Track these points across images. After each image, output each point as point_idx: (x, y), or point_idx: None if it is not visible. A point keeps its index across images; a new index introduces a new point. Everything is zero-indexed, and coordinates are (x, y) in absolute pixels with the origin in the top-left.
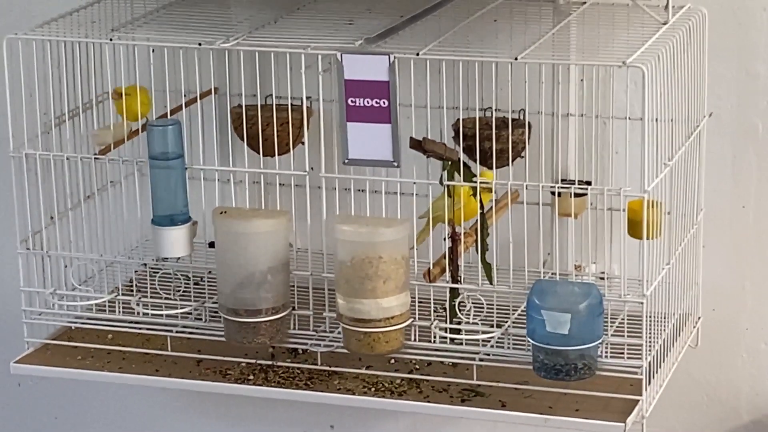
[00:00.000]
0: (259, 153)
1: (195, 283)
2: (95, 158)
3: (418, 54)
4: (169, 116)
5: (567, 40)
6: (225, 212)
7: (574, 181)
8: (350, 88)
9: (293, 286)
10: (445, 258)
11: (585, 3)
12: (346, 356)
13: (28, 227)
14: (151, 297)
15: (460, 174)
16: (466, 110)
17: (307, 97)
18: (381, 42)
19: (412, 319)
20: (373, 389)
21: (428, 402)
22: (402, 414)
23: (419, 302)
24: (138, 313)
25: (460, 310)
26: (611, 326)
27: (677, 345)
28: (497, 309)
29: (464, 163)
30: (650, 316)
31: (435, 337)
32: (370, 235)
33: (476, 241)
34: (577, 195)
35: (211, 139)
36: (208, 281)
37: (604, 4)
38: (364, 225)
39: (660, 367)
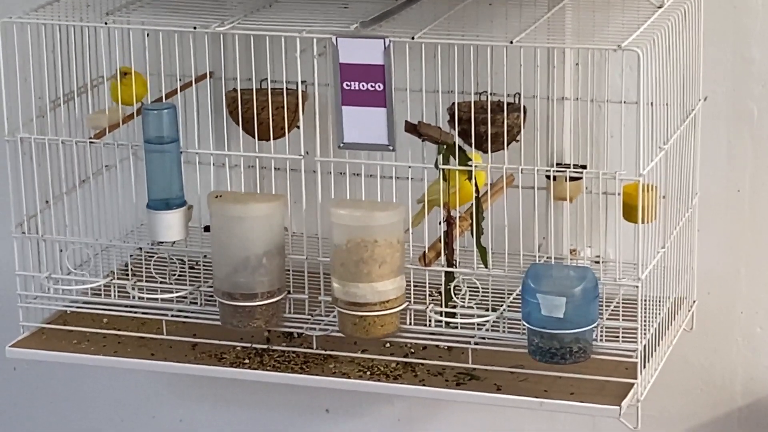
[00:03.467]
0: (254, 137)
1: (190, 268)
2: (90, 142)
3: (413, 38)
4: (164, 100)
5: (562, 23)
6: (220, 196)
7: (570, 164)
8: (345, 71)
9: (288, 270)
10: (440, 242)
11: None
12: (342, 340)
13: (23, 211)
14: (146, 281)
15: (455, 158)
16: (462, 94)
17: (302, 81)
18: (376, 26)
19: (407, 303)
20: (368, 373)
21: (423, 386)
22: (397, 397)
23: (414, 286)
24: (133, 297)
25: (455, 294)
26: (606, 310)
27: (672, 329)
28: (492, 293)
29: (459, 147)
30: (645, 300)
31: (430, 320)
32: (365, 218)
33: (471, 225)
34: (572, 179)
35: (206, 123)
36: (204, 265)
37: None
38: (359, 209)
39: (655, 350)
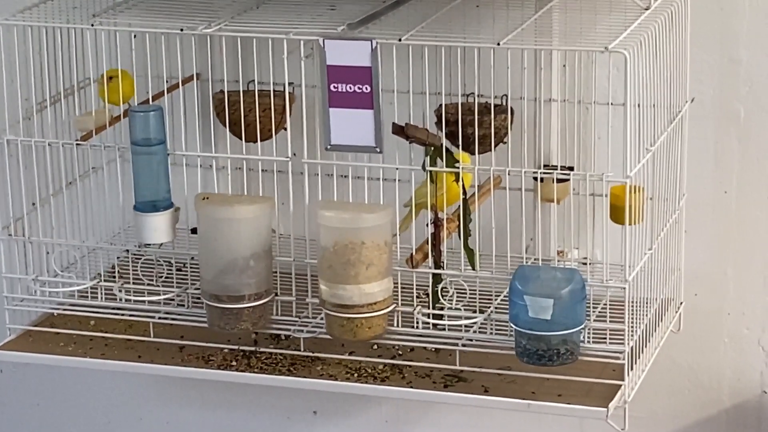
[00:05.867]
0: (241, 139)
1: (177, 270)
2: (77, 144)
3: (400, 39)
4: (151, 102)
5: (549, 25)
6: (207, 198)
7: (557, 166)
8: (332, 73)
9: (276, 272)
10: (427, 244)
11: None
12: (329, 342)
13: (9, 213)
14: (133, 283)
15: (442, 160)
16: (449, 96)
17: (290, 83)
18: (363, 27)
19: (394, 305)
20: (355, 375)
21: (411, 388)
22: (385, 400)
23: (402, 288)
24: (120, 300)
25: (442, 296)
26: (594, 311)
27: (659, 330)
28: (480, 294)
29: (447, 149)
30: (632, 302)
31: (418, 322)
32: (352, 220)
33: (459, 226)
34: (559, 180)
35: (194, 125)
36: (191, 267)
37: None
38: (346, 211)
39: (642, 352)
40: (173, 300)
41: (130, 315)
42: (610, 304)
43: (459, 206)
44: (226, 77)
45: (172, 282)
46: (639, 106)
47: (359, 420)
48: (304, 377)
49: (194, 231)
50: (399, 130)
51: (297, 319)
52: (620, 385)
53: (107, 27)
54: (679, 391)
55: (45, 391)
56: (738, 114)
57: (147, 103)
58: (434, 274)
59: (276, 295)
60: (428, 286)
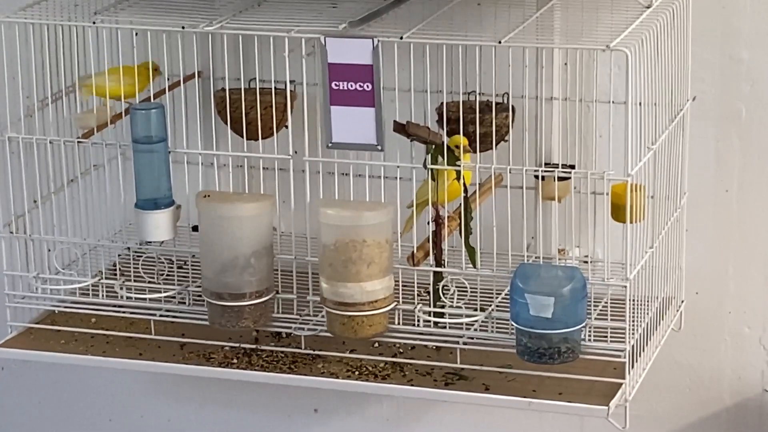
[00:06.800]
0: (242, 137)
1: (179, 267)
2: (78, 142)
3: (401, 38)
4: (152, 100)
5: (551, 23)
6: (209, 196)
7: (558, 164)
8: (334, 71)
9: (277, 270)
10: (428, 242)
11: None
12: (330, 340)
13: (11, 211)
14: (134, 281)
15: (443, 158)
16: (450, 94)
17: (291, 81)
18: (365, 25)
19: (395, 303)
20: (356, 373)
21: (412, 385)
22: (386, 397)
23: (403, 286)
24: (121, 297)
25: (443, 294)
26: (595, 310)
27: (660, 328)
28: (481, 293)
29: (448, 147)
30: (633, 300)
31: (419, 320)
32: (353, 218)
33: (460, 224)
34: (560, 179)
35: (195, 123)
36: (192, 265)
37: None
38: (347, 209)
39: (643, 350)
40: (174, 298)
41: (132, 313)
42: (611, 303)
43: (460, 204)
44: (227, 75)
45: (174, 280)
46: (640, 104)
47: (360, 418)
48: (305, 375)
49: (195, 229)
50: (400, 128)
51: (298, 316)
52: (621, 384)
53: (109, 25)
54: (680, 389)
55: (46, 389)
56: (739, 113)
57: (148, 101)
58: (435, 272)
59: (277, 292)
60: (429, 284)
